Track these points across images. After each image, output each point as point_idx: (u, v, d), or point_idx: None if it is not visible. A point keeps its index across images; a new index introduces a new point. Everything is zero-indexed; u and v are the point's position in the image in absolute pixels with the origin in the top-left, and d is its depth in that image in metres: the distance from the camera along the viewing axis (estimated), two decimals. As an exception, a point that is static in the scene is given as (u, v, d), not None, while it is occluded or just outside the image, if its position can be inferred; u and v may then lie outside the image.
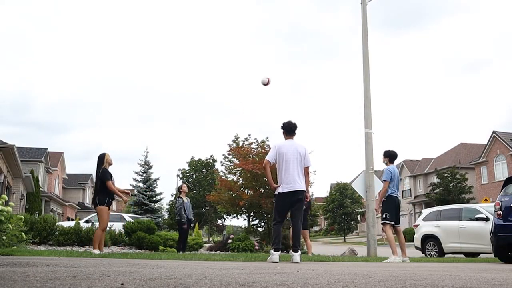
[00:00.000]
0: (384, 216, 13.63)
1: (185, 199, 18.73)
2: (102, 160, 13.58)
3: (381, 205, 13.97)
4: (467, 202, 56.68)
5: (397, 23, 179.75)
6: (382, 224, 13.87)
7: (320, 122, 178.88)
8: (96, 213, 14.33)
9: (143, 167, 54.54)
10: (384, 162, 14.39)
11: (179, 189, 19.09)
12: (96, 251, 12.88)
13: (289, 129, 11.20)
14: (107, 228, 21.59)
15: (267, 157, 11.10)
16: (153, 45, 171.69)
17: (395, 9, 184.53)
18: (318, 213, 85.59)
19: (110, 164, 13.80)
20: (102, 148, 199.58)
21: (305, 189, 10.88)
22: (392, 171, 13.99)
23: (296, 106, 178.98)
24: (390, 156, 14.22)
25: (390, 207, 13.70)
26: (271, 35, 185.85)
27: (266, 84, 12.75)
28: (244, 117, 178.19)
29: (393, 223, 13.73)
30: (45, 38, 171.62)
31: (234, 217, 33.86)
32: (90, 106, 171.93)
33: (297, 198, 10.71)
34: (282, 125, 11.30)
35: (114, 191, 13.51)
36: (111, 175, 13.51)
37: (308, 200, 18.37)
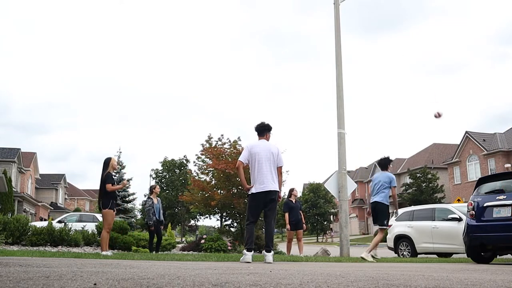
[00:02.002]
0: (385, 222, 13.83)
1: (155, 200, 18.74)
2: (107, 164, 13.86)
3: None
4: (439, 202, 57.04)
5: (373, 26, 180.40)
6: (382, 229, 14.07)
7: (294, 123, 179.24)
8: (100, 216, 14.58)
9: (116, 167, 54.44)
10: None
11: (152, 189, 19.01)
12: (105, 253, 12.99)
13: (261, 130, 11.26)
14: (81, 228, 21.61)
15: (240, 158, 11.16)
16: (128, 47, 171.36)
17: (371, 12, 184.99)
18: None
19: (114, 169, 14.29)
20: (78, 148, 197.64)
21: (278, 189, 10.91)
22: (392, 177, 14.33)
23: (271, 106, 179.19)
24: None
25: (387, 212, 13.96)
26: (248, 37, 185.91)
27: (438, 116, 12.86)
28: (219, 118, 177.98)
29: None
30: (22, 39, 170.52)
31: (207, 217, 33.74)
32: (67, 107, 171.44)
33: (270, 198, 10.75)
34: (255, 126, 11.36)
35: (113, 190, 13.73)
36: (113, 180, 13.78)
37: (297, 200, 18.54)
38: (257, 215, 11.29)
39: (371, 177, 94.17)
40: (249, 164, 11.05)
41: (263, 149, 10.95)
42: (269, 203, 10.82)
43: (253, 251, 10.83)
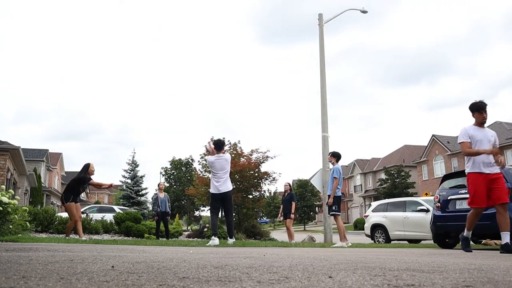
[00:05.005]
0: (334, 208, 13.62)
1: (161, 195, 19.09)
2: (86, 169, 14.24)
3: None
4: (410, 196, 57.16)
5: (347, 27, 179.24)
6: (332, 215, 13.88)
7: (285, 127, 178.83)
8: (65, 208, 14.48)
9: (131, 165, 54.59)
10: (331, 161, 14.20)
11: (158, 185, 19.81)
12: (68, 237, 13.66)
13: (219, 146, 12.53)
14: (100, 218, 21.56)
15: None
16: (139, 48, 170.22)
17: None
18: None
19: (92, 173, 14.38)
20: (100, 151, 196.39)
21: (230, 189, 12.33)
22: (341, 170, 14.04)
23: (264, 114, 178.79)
24: (337, 156, 14.10)
25: (337, 201, 13.73)
26: (248, 39, 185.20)
27: (208, 150, 13.24)
28: (221, 122, 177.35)
29: (340, 214, 13.90)
30: (39, 44, 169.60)
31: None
32: (91, 114, 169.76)
33: (223, 197, 12.22)
34: (215, 141, 12.80)
35: (96, 184, 14.47)
36: (85, 182, 14.15)
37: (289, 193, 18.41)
38: (217, 208, 12.71)
39: (351, 174, 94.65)
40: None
41: (220, 160, 12.38)
42: (224, 201, 12.34)
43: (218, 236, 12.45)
